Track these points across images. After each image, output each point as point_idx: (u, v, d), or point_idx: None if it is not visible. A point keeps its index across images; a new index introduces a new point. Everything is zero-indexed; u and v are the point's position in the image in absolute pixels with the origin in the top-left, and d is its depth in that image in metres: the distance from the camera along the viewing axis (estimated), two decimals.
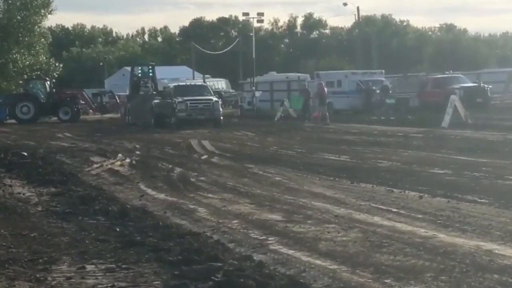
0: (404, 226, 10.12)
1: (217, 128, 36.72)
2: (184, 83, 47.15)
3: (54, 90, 56.25)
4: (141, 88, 46.04)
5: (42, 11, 66.57)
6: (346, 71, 57.98)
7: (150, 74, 47.58)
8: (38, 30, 67.56)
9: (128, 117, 45.88)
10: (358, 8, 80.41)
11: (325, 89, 43.33)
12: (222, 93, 67.85)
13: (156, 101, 41.88)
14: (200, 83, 46.23)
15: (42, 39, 69.25)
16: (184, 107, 38.18)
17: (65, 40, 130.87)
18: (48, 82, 56.17)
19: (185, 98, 38.49)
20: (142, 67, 49.57)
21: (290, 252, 8.74)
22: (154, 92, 45.50)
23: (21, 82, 62.63)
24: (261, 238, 9.64)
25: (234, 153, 22.95)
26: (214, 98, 39.78)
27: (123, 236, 9.54)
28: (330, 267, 7.96)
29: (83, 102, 57.84)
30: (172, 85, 45.99)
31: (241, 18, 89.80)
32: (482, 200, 11.96)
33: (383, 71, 56.93)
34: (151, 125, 40.39)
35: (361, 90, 50.43)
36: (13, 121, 52.31)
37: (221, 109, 39.73)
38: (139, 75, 47.64)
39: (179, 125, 37.40)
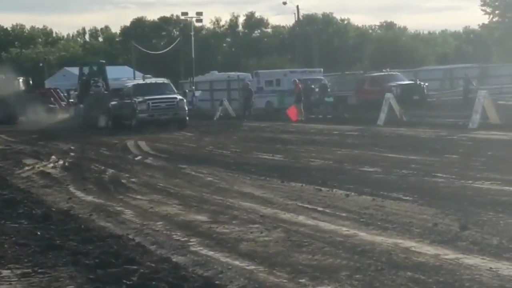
0: (327, 225, 10.17)
1: (182, 129, 34.68)
2: (144, 81, 44.26)
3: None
4: (92, 88, 44.18)
5: None
6: (284, 70, 58.02)
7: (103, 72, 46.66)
8: None
9: (81, 118, 43.12)
10: (297, 7, 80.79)
11: (300, 86, 43.49)
12: None
13: (113, 102, 38.81)
14: (161, 81, 43.66)
15: None
16: (145, 107, 35.60)
17: (4, 40, 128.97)
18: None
19: (146, 97, 35.82)
20: (91, 66, 48.50)
21: (210, 253, 8.73)
22: (106, 92, 43.80)
23: None
24: (183, 239, 9.62)
25: (169, 153, 22.90)
26: (179, 97, 37.60)
27: (44, 240, 9.42)
28: (247, 267, 7.97)
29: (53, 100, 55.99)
30: (131, 83, 42.87)
31: (182, 17, 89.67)
32: (407, 198, 12.06)
33: (322, 69, 57.22)
34: (109, 128, 37.81)
35: None
36: None
37: (186, 108, 37.26)
38: (88, 74, 46.70)
39: (140, 127, 34.85)
